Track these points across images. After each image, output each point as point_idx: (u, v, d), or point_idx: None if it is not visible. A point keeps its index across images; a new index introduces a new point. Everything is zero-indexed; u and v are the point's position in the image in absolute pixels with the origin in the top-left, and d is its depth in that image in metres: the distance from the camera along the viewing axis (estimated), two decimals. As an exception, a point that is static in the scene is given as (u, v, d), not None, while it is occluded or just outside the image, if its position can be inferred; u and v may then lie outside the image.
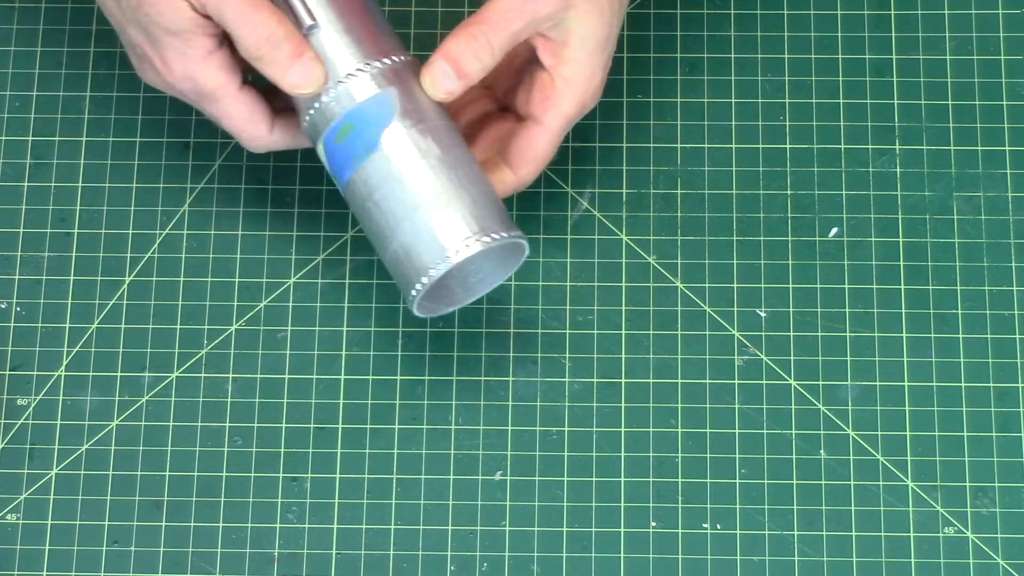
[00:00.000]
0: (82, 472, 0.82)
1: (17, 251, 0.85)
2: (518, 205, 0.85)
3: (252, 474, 0.82)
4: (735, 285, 0.84)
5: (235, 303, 0.84)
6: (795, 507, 0.81)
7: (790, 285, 0.84)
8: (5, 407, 0.83)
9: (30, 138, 0.87)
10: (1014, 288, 0.84)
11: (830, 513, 0.81)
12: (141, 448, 0.82)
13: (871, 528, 0.81)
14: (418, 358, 0.83)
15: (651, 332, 0.84)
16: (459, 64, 0.74)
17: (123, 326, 0.84)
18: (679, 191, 0.86)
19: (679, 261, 0.85)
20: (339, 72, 0.74)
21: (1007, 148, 0.86)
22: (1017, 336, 0.83)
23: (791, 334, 0.83)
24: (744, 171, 0.86)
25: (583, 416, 0.83)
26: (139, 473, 0.82)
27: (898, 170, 0.86)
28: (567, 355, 0.83)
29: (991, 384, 0.82)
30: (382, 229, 0.75)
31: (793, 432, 0.82)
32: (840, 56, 0.87)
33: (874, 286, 0.84)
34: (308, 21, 0.74)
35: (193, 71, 0.74)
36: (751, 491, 0.81)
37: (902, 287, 0.84)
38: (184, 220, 0.86)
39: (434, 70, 0.75)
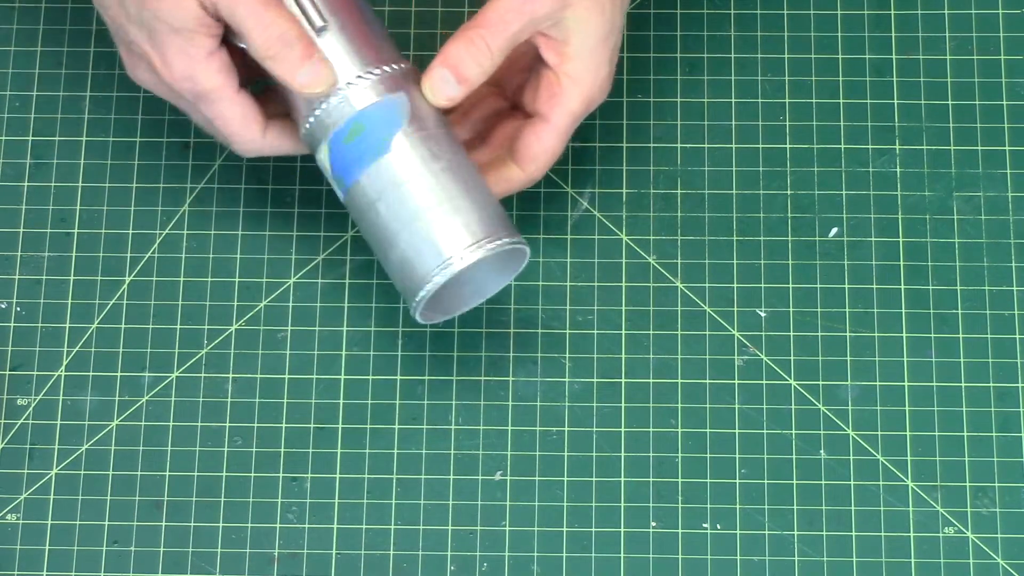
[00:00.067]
0: (82, 472, 0.82)
1: (17, 251, 0.85)
2: (518, 205, 0.85)
3: (252, 474, 0.82)
4: (735, 285, 0.84)
5: (235, 303, 0.84)
6: (795, 507, 0.81)
7: (790, 285, 0.84)
8: (5, 407, 0.83)
9: (30, 138, 0.87)
10: (1014, 288, 0.84)
11: (830, 513, 0.81)
12: (141, 448, 0.82)
13: (871, 528, 0.81)
14: (418, 358, 0.83)
15: (651, 332, 0.84)
16: (459, 69, 0.74)
17: (123, 326, 0.84)
18: (679, 191, 0.86)
19: (679, 261, 0.85)
20: (347, 75, 0.74)
21: (1007, 148, 0.86)
22: (1017, 336, 0.83)
23: (791, 334, 0.83)
24: (744, 171, 0.86)
25: (583, 416, 0.83)
26: (139, 473, 0.82)
27: (898, 170, 0.86)
28: (567, 355, 0.83)
29: (991, 384, 0.82)
30: (385, 235, 0.75)
31: (793, 432, 0.82)
32: (840, 56, 0.87)
33: (874, 286, 0.84)
34: (319, 22, 0.74)
35: (194, 70, 0.74)
36: (751, 491, 0.81)
37: (902, 287, 0.84)
38: (184, 220, 0.86)
39: (434, 77, 0.75)
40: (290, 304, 0.84)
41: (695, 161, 0.86)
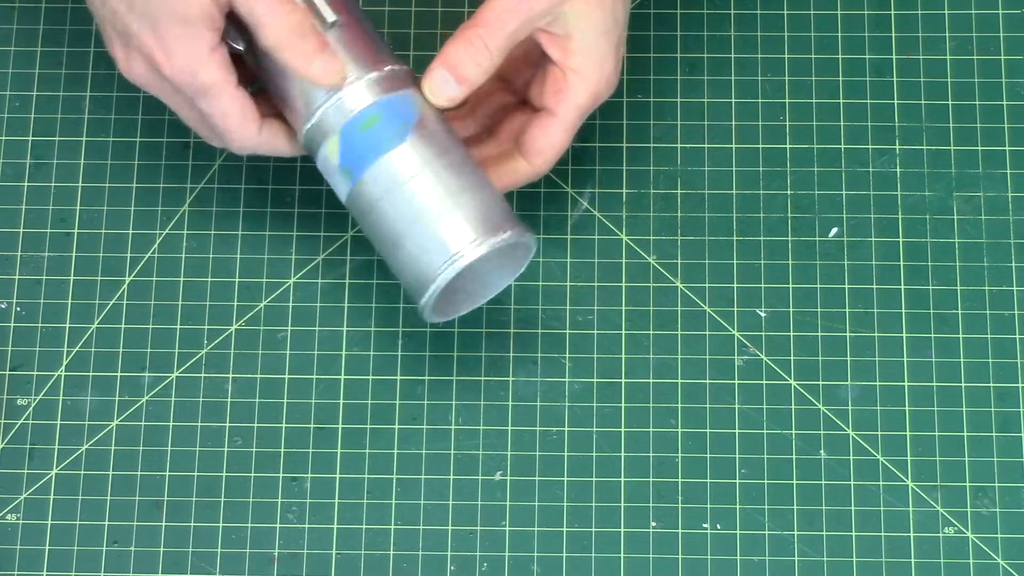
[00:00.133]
0: (82, 472, 0.82)
1: (17, 251, 0.85)
2: (518, 205, 0.85)
3: (252, 474, 0.82)
4: (735, 285, 0.84)
5: (235, 303, 0.84)
6: (795, 507, 0.81)
7: (790, 285, 0.84)
8: (5, 407, 0.83)
9: (30, 138, 0.87)
10: (1014, 288, 0.84)
11: (830, 513, 0.81)
12: (141, 448, 0.82)
13: (871, 528, 0.81)
14: (418, 358, 0.83)
15: (651, 332, 0.84)
16: (458, 70, 0.75)
17: (123, 326, 0.84)
18: (679, 191, 0.86)
19: (679, 261, 0.85)
20: (356, 70, 0.74)
21: (1007, 148, 0.86)
22: (1017, 336, 0.83)
23: (791, 334, 0.83)
24: (744, 171, 0.86)
25: (583, 416, 0.83)
26: (139, 473, 0.82)
27: (898, 170, 0.86)
28: (567, 355, 0.83)
29: (991, 384, 0.82)
30: (390, 233, 0.75)
31: (793, 432, 0.82)
32: (840, 56, 0.87)
33: (874, 286, 0.84)
34: (331, 17, 0.74)
35: (197, 64, 0.73)
36: (751, 491, 0.81)
37: (902, 287, 0.84)
38: (184, 220, 0.86)
39: (434, 78, 0.75)
40: (290, 304, 0.84)
41: (695, 161, 0.86)
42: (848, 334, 0.83)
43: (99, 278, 0.85)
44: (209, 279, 0.85)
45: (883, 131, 0.86)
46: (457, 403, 0.83)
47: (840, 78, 0.87)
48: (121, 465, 0.82)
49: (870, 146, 0.86)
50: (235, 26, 0.74)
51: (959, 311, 0.83)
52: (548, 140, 0.78)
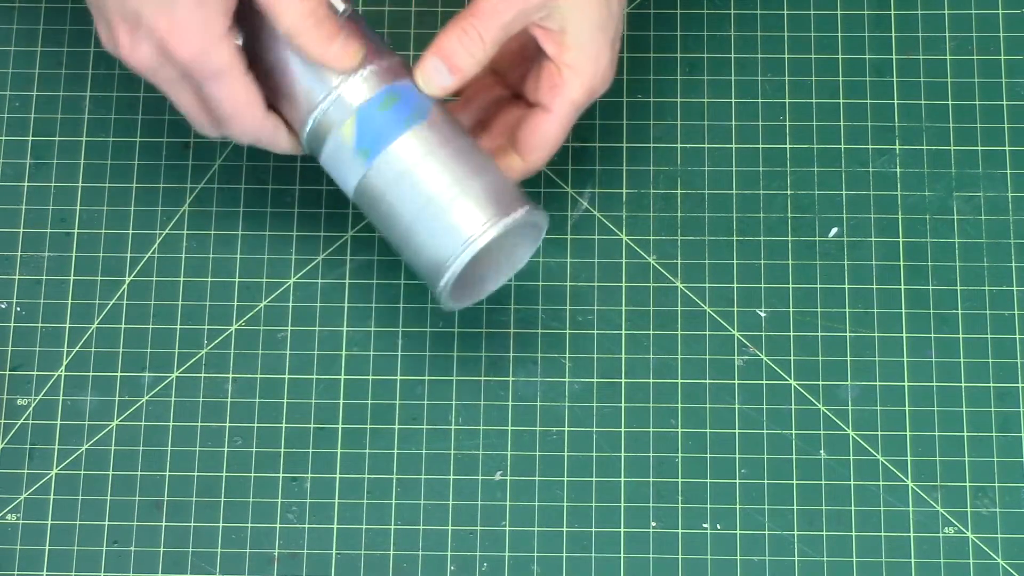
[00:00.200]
0: (82, 472, 0.82)
1: (17, 251, 0.85)
2: (518, 205, 0.85)
3: (252, 474, 0.82)
4: (735, 285, 0.84)
5: (235, 303, 0.84)
6: (795, 507, 0.81)
7: (790, 285, 0.84)
8: (5, 407, 0.83)
9: (30, 138, 0.87)
10: (1014, 288, 0.84)
11: (830, 513, 0.81)
12: (141, 448, 0.82)
13: (871, 528, 0.81)
14: (418, 358, 0.83)
15: (651, 332, 0.84)
16: (452, 60, 0.75)
17: (123, 326, 0.84)
18: (679, 191, 0.86)
19: (679, 261, 0.85)
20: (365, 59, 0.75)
21: (1007, 148, 0.86)
22: (1017, 336, 0.83)
23: (791, 334, 0.83)
24: (744, 171, 0.86)
25: (583, 416, 0.83)
26: (139, 473, 0.82)
27: (898, 170, 0.86)
28: (567, 355, 0.83)
29: (991, 384, 0.82)
30: (402, 223, 0.75)
31: (793, 432, 0.82)
32: (840, 56, 0.87)
33: (874, 286, 0.84)
34: (341, 6, 0.75)
35: (210, 46, 0.73)
36: (751, 491, 0.81)
37: (902, 287, 0.84)
38: (184, 220, 0.86)
39: (427, 66, 0.75)
40: (290, 304, 0.84)
41: (695, 161, 0.86)
42: (848, 334, 0.83)
43: (99, 278, 0.85)
44: (209, 279, 0.85)
45: (883, 131, 0.86)
46: (457, 403, 0.83)
47: (840, 78, 0.87)
48: (121, 465, 0.82)
49: (870, 146, 0.86)
50: (236, 22, 0.74)
51: (959, 311, 0.83)
52: (543, 136, 0.78)
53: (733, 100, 0.87)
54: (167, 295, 0.84)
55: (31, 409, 0.83)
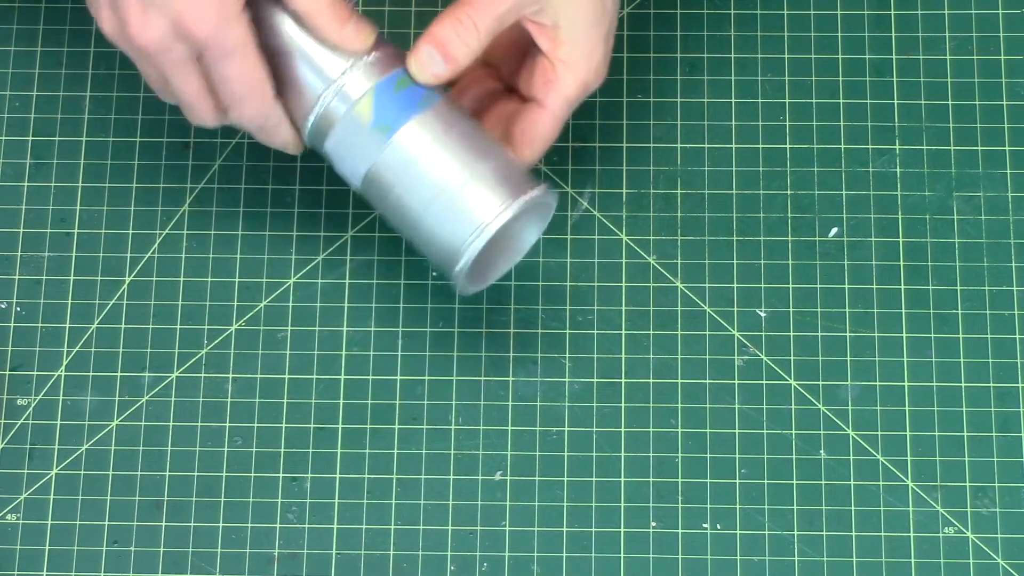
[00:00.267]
0: (82, 472, 0.82)
1: (17, 251, 0.85)
2: (518, 205, 0.85)
3: (252, 474, 0.82)
4: (735, 285, 0.84)
5: (235, 303, 0.84)
6: (795, 507, 0.81)
7: (790, 285, 0.84)
8: (5, 407, 0.83)
9: (30, 138, 0.87)
10: (1014, 288, 0.84)
11: (830, 513, 0.81)
12: (141, 448, 0.82)
13: (871, 528, 0.81)
14: (418, 358, 0.83)
15: (651, 332, 0.84)
16: (446, 48, 0.75)
17: (123, 326, 0.84)
18: (679, 191, 0.86)
19: (679, 261, 0.85)
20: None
21: (1007, 148, 0.86)
22: (1017, 336, 0.83)
23: (791, 334, 0.83)
24: (744, 171, 0.86)
25: (583, 416, 0.83)
26: (139, 473, 0.82)
27: (898, 170, 0.86)
28: (567, 355, 0.83)
29: (991, 384, 0.82)
30: (413, 212, 0.74)
31: (793, 432, 0.82)
32: (840, 56, 0.87)
33: (874, 286, 0.84)
34: None
35: (227, 23, 0.72)
36: (751, 491, 0.81)
37: (902, 287, 0.84)
38: (184, 220, 0.86)
39: (421, 54, 0.75)
40: (290, 304, 0.84)
41: (695, 161, 0.86)
42: (848, 334, 0.83)
43: (99, 278, 0.85)
44: (209, 279, 0.85)
45: (883, 131, 0.86)
46: (457, 403, 0.83)
47: (840, 78, 0.87)
48: (121, 465, 0.82)
49: (870, 146, 0.86)
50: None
51: (959, 311, 0.83)
52: (537, 131, 0.78)
53: (733, 100, 0.87)
54: (167, 295, 0.84)
55: (31, 409, 0.83)
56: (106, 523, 0.81)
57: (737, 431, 0.82)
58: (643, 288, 0.84)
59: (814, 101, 0.87)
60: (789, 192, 0.85)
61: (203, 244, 0.85)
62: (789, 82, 0.87)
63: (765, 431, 0.82)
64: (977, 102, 0.86)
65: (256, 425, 0.83)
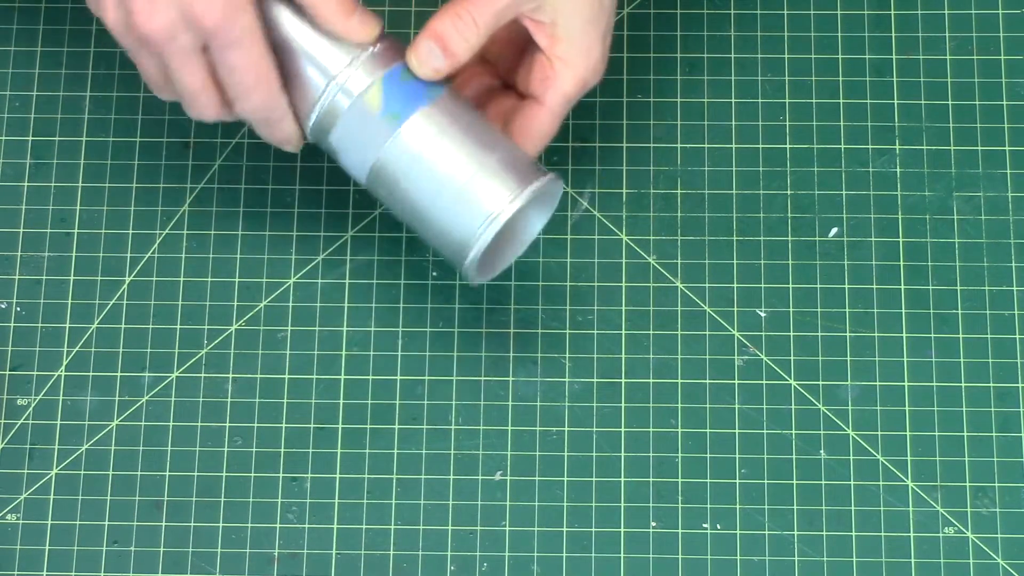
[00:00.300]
0: (82, 472, 0.82)
1: (17, 251, 0.85)
2: (518, 205, 0.85)
3: (252, 474, 0.82)
4: (735, 285, 0.84)
5: (235, 303, 0.84)
6: (795, 507, 0.81)
7: (790, 285, 0.84)
8: (5, 407, 0.83)
9: (30, 138, 0.87)
10: (1014, 288, 0.84)
11: (830, 513, 0.81)
12: (141, 448, 0.82)
13: (871, 528, 0.81)
14: (418, 358, 0.83)
15: (651, 332, 0.84)
16: (445, 42, 0.75)
17: (123, 326, 0.84)
18: (679, 191, 0.86)
19: (679, 261, 0.85)
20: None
21: (1007, 148, 0.86)
22: (1017, 336, 0.83)
23: (791, 334, 0.83)
24: (744, 171, 0.86)
25: (583, 416, 0.83)
26: (139, 473, 0.82)
27: (898, 170, 0.86)
28: (567, 355, 0.83)
29: (991, 384, 0.82)
30: (421, 203, 0.75)
31: (793, 432, 0.82)
32: (840, 56, 0.87)
33: (874, 286, 0.84)
34: None
35: (235, 12, 0.72)
36: (751, 491, 0.81)
37: (902, 287, 0.84)
38: (184, 220, 0.86)
39: (420, 48, 0.75)
40: (290, 304, 0.84)
41: (695, 161, 0.86)
42: (848, 334, 0.83)
43: (99, 278, 0.85)
44: (209, 279, 0.85)
45: (883, 131, 0.86)
46: (457, 403, 0.83)
47: (840, 78, 0.87)
48: (121, 465, 0.82)
49: (870, 146, 0.86)
50: None
51: (959, 311, 0.83)
52: (535, 128, 0.78)
53: (733, 100, 0.87)
54: (167, 295, 0.84)
55: (31, 409, 0.83)
56: (106, 523, 0.81)
57: (737, 431, 0.82)
58: (643, 288, 0.84)
59: (814, 101, 0.87)
60: (789, 192, 0.85)
61: (203, 244, 0.85)
62: (789, 82, 0.87)
63: (765, 431, 0.82)
64: (977, 102, 0.86)
65: (256, 425, 0.83)
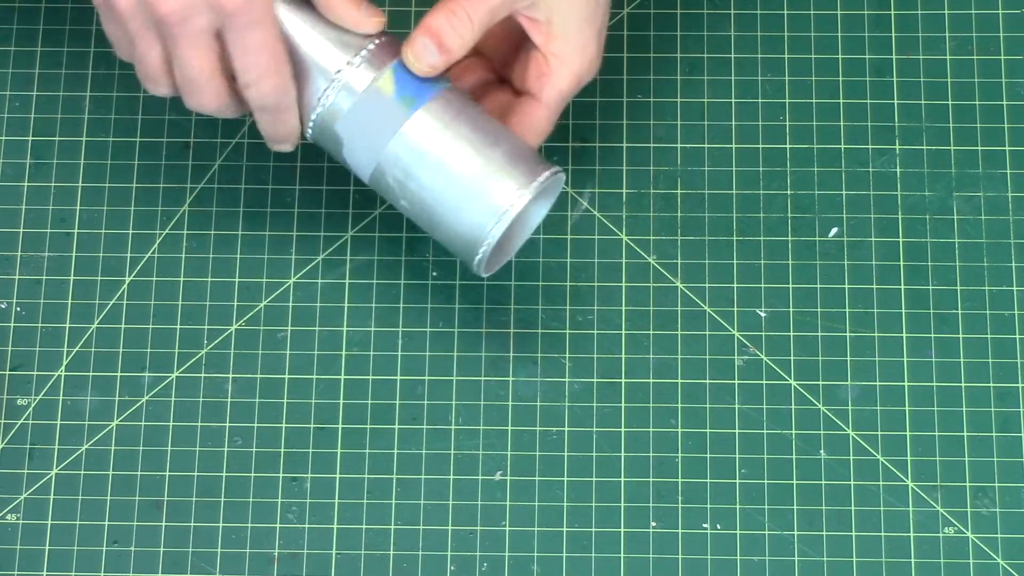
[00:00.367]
0: (82, 472, 0.82)
1: (17, 251, 0.85)
2: (518, 205, 0.85)
3: (252, 474, 0.82)
4: (735, 285, 0.84)
5: (235, 303, 0.84)
6: (795, 507, 0.81)
7: (790, 285, 0.84)
8: (5, 407, 0.83)
9: (30, 138, 0.87)
10: (1014, 288, 0.84)
11: (830, 513, 0.81)
12: (141, 448, 0.82)
13: (871, 528, 0.81)
14: (418, 358, 0.83)
15: (651, 332, 0.84)
16: (440, 38, 0.75)
17: (123, 326, 0.84)
18: (679, 191, 0.86)
19: (679, 261, 0.85)
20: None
21: (1007, 148, 0.86)
22: (1017, 336, 0.83)
23: (791, 334, 0.83)
24: (744, 171, 0.86)
25: (583, 416, 0.83)
26: (139, 473, 0.82)
27: (898, 170, 0.86)
28: (567, 355, 0.83)
29: (991, 384, 0.82)
30: (430, 199, 0.75)
31: (793, 432, 0.82)
32: (840, 56, 0.87)
33: (874, 286, 0.84)
34: None
35: None
36: (751, 491, 0.81)
37: (902, 287, 0.84)
38: (184, 220, 0.86)
39: (416, 45, 0.75)
40: (290, 304, 0.84)
41: (695, 161, 0.86)
42: (848, 334, 0.83)
43: (99, 278, 0.85)
44: (209, 279, 0.85)
45: (883, 131, 0.86)
46: (457, 403, 0.83)
47: (840, 78, 0.87)
48: (121, 465, 0.82)
49: (870, 146, 0.86)
50: None
51: (959, 311, 0.83)
52: (532, 124, 0.78)
53: (733, 100, 0.87)
54: (167, 295, 0.84)
55: (31, 409, 0.83)
56: (106, 523, 0.81)
57: (737, 431, 0.82)
58: (643, 288, 0.84)
59: (814, 101, 0.87)
60: (789, 192, 0.85)
61: (203, 244, 0.85)
62: (789, 82, 0.87)
63: (765, 431, 0.82)
64: (977, 102, 0.86)
65: (256, 425, 0.83)
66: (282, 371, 0.83)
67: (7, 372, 0.83)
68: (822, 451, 0.82)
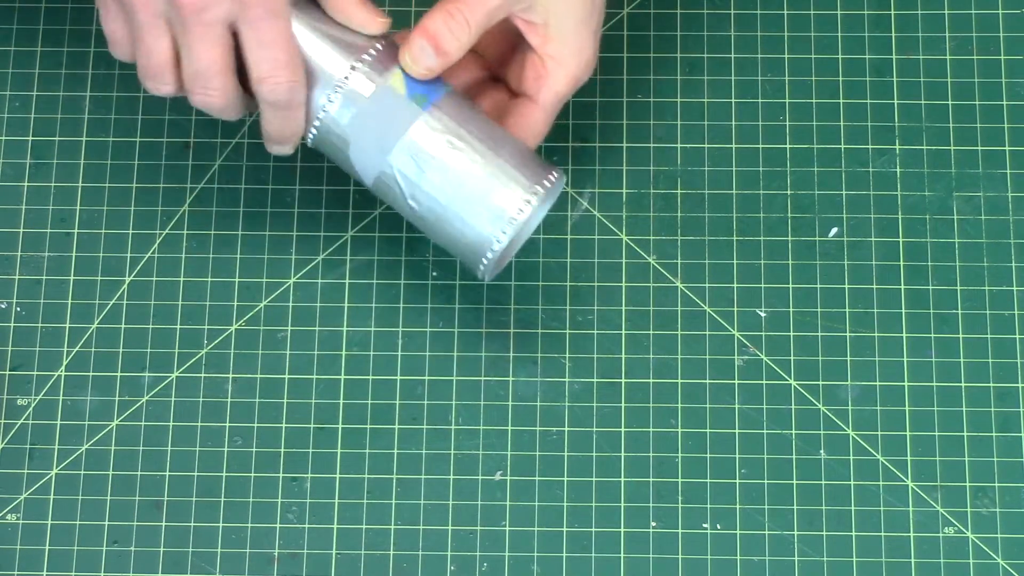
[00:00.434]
0: (82, 472, 0.82)
1: (17, 251, 0.85)
2: (518, 205, 0.85)
3: (252, 474, 0.82)
4: (735, 285, 0.84)
5: (235, 303, 0.84)
6: (795, 507, 0.81)
7: (790, 285, 0.84)
8: (5, 407, 0.83)
9: (30, 138, 0.87)
10: (1014, 288, 0.84)
11: (830, 513, 0.81)
12: (141, 448, 0.82)
13: (871, 528, 0.81)
14: (418, 358, 0.83)
15: (651, 332, 0.84)
16: (438, 41, 0.75)
17: (123, 326, 0.84)
18: (679, 191, 0.86)
19: (679, 261, 0.85)
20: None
21: (1007, 148, 0.86)
22: (1017, 336, 0.83)
23: (791, 334, 0.83)
24: (744, 171, 0.86)
25: (583, 416, 0.83)
26: (139, 473, 0.82)
27: (898, 170, 0.86)
28: (567, 355, 0.83)
29: (991, 384, 0.82)
30: (436, 205, 0.75)
31: (793, 432, 0.82)
32: (840, 56, 0.87)
33: (874, 286, 0.84)
34: None
35: None
36: (751, 491, 0.81)
37: (902, 287, 0.84)
38: (184, 220, 0.86)
39: (413, 47, 0.75)
40: (290, 304, 0.84)
41: (695, 161, 0.86)
42: (848, 334, 0.83)
43: (99, 278, 0.85)
44: (209, 279, 0.85)
45: (883, 131, 0.86)
46: (457, 403, 0.83)
47: (840, 78, 0.87)
48: (121, 465, 0.82)
49: (870, 146, 0.86)
50: None
51: (959, 311, 0.83)
52: (528, 126, 0.78)
53: (733, 100, 0.87)
54: (167, 295, 0.84)
55: (31, 409, 0.83)
56: (106, 523, 0.81)
57: (737, 431, 0.82)
58: (643, 288, 0.84)
59: (814, 101, 0.87)
60: (789, 192, 0.85)
61: (203, 244, 0.85)
62: (789, 82, 0.87)
63: (765, 431, 0.82)
64: (977, 102, 0.86)
65: (256, 425, 0.83)
66: (282, 371, 0.83)
67: (7, 372, 0.83)
68: (822, 451, 0.82)
